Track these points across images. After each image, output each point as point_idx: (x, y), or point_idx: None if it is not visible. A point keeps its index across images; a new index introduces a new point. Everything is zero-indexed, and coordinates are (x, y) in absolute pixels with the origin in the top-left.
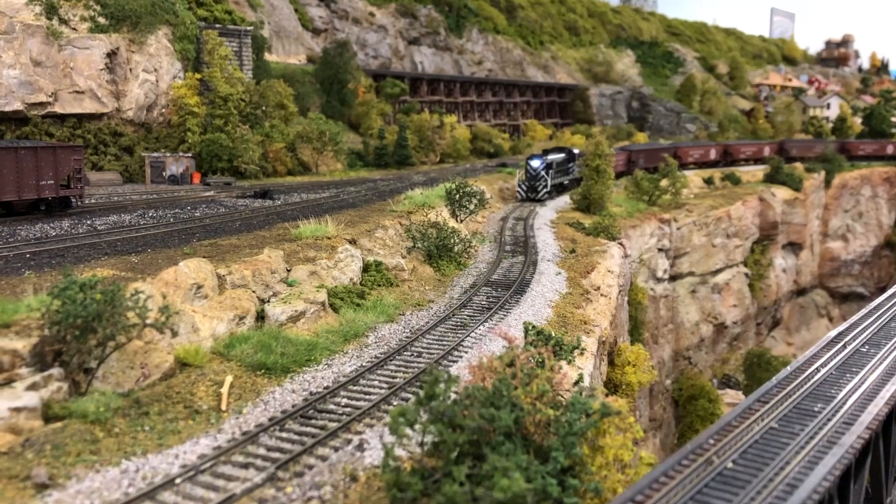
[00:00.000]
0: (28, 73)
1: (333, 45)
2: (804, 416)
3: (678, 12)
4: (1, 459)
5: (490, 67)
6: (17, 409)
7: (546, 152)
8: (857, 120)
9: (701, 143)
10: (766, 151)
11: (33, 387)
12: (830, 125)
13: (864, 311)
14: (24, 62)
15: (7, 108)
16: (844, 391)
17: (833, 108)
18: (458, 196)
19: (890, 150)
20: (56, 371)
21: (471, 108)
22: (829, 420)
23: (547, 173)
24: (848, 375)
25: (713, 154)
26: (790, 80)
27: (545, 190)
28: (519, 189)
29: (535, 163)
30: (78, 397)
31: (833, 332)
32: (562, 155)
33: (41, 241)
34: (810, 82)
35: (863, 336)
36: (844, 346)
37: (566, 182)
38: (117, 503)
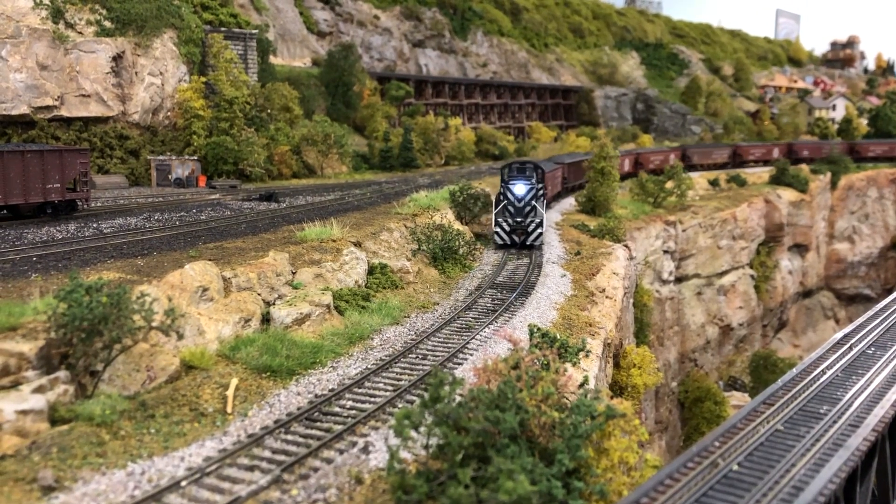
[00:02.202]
0: (34, 77)
1: (338, 48)
2: (810, 419)
3: (683, 14)
4: (7, 462)
5: (495, 70)
6: (24, 412)
7: (526, 168)
8: (863, 121)
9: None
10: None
11: (39, 389)
12: (836, 126)
13: (870, 312)
14: (31, 66)
15: (14, 112)
16: (850, 393)
17: (839, 110)
18: (462, 198)
19: None
20: (62, 374)
21: (475, 110)
22: (835, 422)
23: (539, 200)
24: (854, 377)
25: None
26: (795, 81)
27: (539, 230)
28: (497, 231)
29: (520, 187)
30: (84, 400)
31: (839, 334)
32: (532, 173)
33: (47, 244)
34: (816, 84)
35: (869, 338)
36: (851, 348)
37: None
38: None
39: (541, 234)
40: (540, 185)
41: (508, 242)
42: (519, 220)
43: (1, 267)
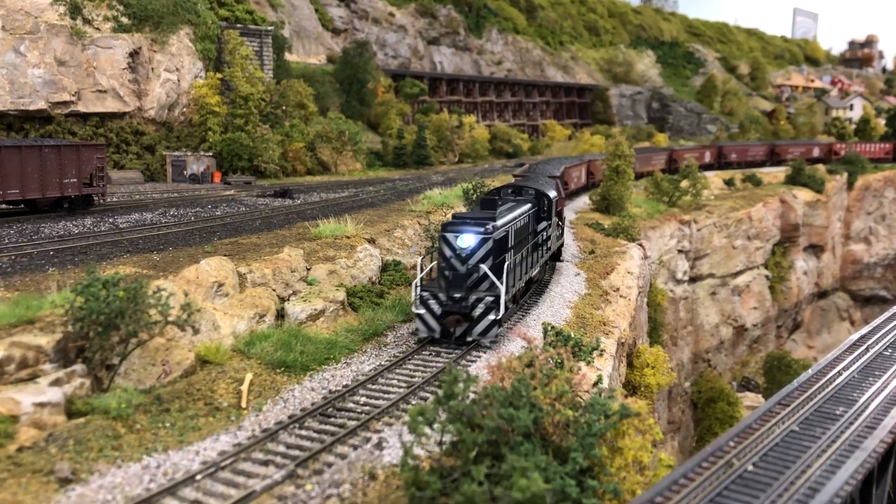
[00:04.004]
0: (52, 73)
1: (353, 45)
2: (826, 420)
3: (699, 12)
4: (25, 454)
5: (509, 67)
6: (41, 405)
7: (489, 201)
8: (881, 121)
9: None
10: (816, 152)
11: (57, 382)
12: (853, 126)
13: (886, 314)
14: (49, 62)
15: (31, 107)
16: (867, 395)
17: (856, 109)
18: (476, 196)
19: None
20: (79, 367)
21: (490, 108)
22: (851, 424)
23: (495, 256)
24: (870, 379)
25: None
26: (812, 80)
27: (491, 316)
28: (421, 313)
29: (467, 238)
30: (100, 393)
31: (855, 336)
32: (523, 206)
33: (64, 238)
34: (833, 83)
35: (885, 339)
36: (867, 350)
37: (534, 274)
38: (139, 499)
39: (495, 323)
40: (502, 226)
41: (437, 334)
42: (457, 295)
43: (19, 261)
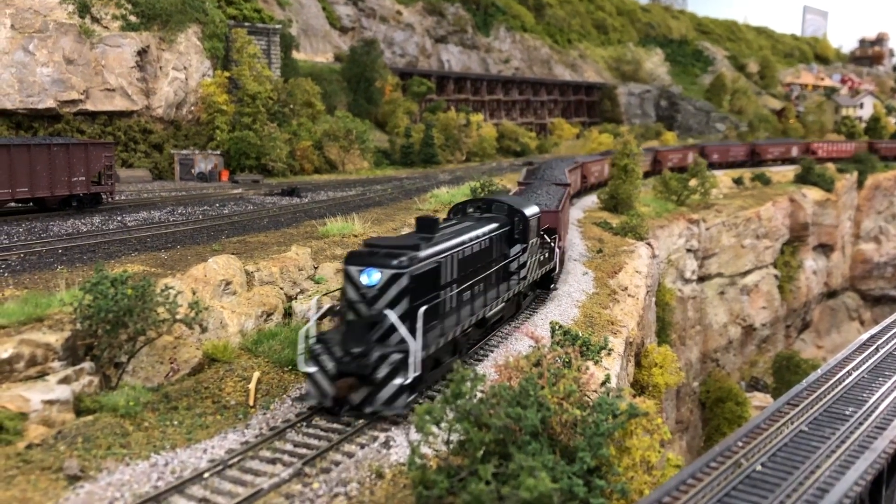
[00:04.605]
0: (61, 71)
1: (361, 44)
2: (835, 420)
3: (708, 10)
4: (34, 451)
5: (517, 66)
6: (50, 402)
7: (427, 221)
8: (892, 120)
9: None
10: (794, 152)
11: (65, 380)
12: (863, 125)
13: None
14: (57, 60)
15: (40, 106)
16: (877, 395)
17: (866, 108)
18: (483, 195)
19: None
20: (87, 365)
21: (497, 106)
22: (860, 424)
23: (413, 297)
24: (880, 379)
25: (795, 152)
26: (822, 79)
27: (399, 380)
28: (311, 372)
29: (373, 275)
30: (108, 391)
31: (865, 336)
32: (483, 227)
33: (73, 236)
34: (843, 81)
35: (895, 340)
36: (877, 350)
37: (493, 312)
38: (147, 496)
39: (404, 390)
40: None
41: (328, 402)
42: (356, 350)
43: (28, 259)
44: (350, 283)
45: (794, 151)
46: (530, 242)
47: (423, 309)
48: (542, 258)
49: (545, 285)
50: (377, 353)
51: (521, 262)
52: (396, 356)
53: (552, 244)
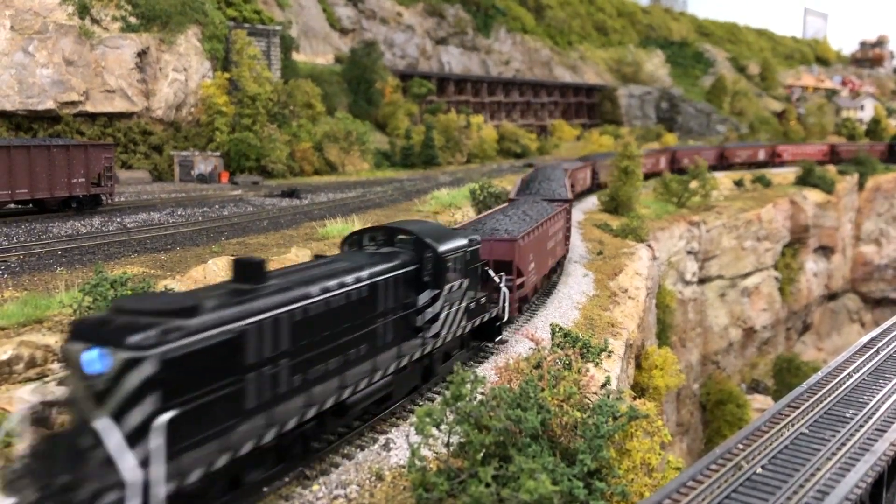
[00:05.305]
0: (60, 73)
1: (361, 45)
2: (836, 423)
3: (709, 12)
4: None
5: (517, 67)
6: (49, 404)
7: (251, 264)
8: (893, 122)
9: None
10: (761, 155)
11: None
12: (864, 127)
13: None
14: (57, 61)
15: (40, 107)
16: (877, 397)
17: (867, 110)
18: (483, 196)
19: None
20: None
21: (498, 108)
22: (861, 426)
23: (182, 393)
24: (881, 382)
25: (762, 155)
26: (823, 81)
27: None
28: None
29: (95, 358)
30: None
31: (866, 338)
32: (366, 268)
33: (72, 238)
34: (844, 83)
35: None
36: (877, 352)
37: (374, 388)
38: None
39: None
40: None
41: None
42: (62, 480)
43: (27, 260)
44: (73, 370)
45: (761, 155)
46: (449, 286)
47: (166, 417)
48: (475, 304)
49: (488, 336)
50: (94, 485)
51: (434, 314)
52: (115, 495)
53: (500, 283)
